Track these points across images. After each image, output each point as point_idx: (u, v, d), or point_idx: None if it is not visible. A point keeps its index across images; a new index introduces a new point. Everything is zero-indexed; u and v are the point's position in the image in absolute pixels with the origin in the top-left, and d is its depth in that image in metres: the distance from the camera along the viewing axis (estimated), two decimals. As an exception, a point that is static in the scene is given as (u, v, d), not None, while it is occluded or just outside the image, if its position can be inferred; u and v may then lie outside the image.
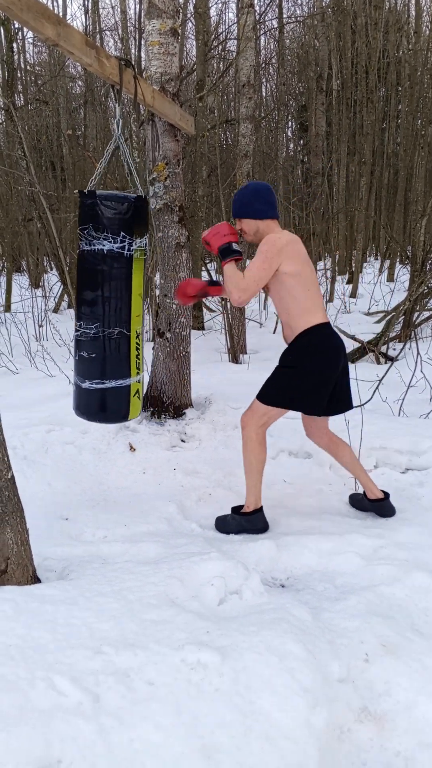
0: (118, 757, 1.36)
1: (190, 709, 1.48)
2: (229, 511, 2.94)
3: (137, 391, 2.71)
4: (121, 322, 2.56)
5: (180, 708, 1.48)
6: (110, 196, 2.45)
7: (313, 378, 2.66)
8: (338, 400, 2.78)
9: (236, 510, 2.85)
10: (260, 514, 2.80)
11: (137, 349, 2.67)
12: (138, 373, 2.69)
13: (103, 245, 2.46)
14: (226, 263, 2.63)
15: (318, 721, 1.50)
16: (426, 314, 6.99)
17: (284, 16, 13.00)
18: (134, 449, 3.59)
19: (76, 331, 2.62)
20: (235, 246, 2.65)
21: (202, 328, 8.54)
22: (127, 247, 2.49)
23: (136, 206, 2.50)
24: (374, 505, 2.94)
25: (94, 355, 2.57)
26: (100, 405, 2.63)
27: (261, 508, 2.80)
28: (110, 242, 2.46)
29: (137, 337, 2.66)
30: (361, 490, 3.19)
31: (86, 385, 2.60)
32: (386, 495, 2.94)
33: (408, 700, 1.66)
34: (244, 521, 2.78)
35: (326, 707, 1.55)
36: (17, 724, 1.38)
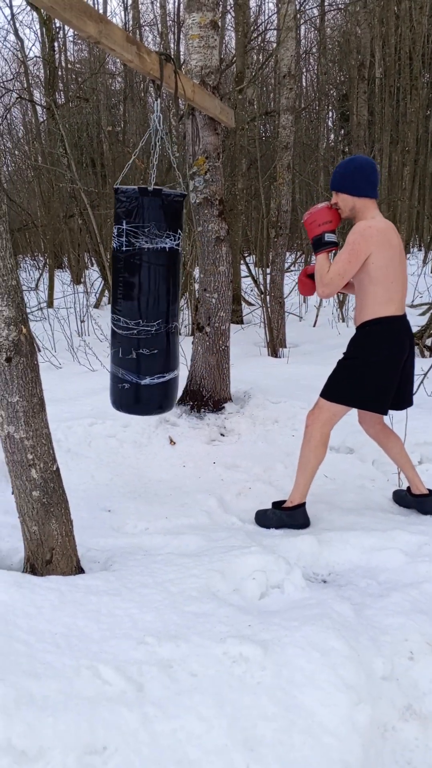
0: (161, 746, 1.38)
1: (233, 702, 1.49)
2: (269, 506, 2.93)
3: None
4: (176, 315, 2.61)
5: (222, 700, 1.49)
6: (174, 194, 2.46)
7: (376, 372, 2.61)
8: (400, 396, 2.74)
9: (277, 505, 2.83)
10: (302, 510, 2.78)
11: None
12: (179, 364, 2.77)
13: (166, 243, 2.47)
14: (318, 254, 2.59)
15: (361, 718, 1.49)
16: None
17: (325, 4, 12.79)
18: (174, 443, 3.62)
19: (129, 330, 2.62)
20: (328, 237, 2.58)
21: (241, 322, 8.52)
22: (179, 243, 2.52)
23: (182, 201, 2.53)
24: (417, 500, 2.88)
25: (156, 351, 2.59)
26: (161, 398, 2.67)
27: (304, 504, 2.79)
28: (171, 240, 2.48)
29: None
30: (404, 486, 3.14)
31: (146, 381, 2.62)
32: (431, 492, 2.88)
33: (454, 700, 1.63)
34: (285, 516, 2.77)
35: (370, 704, 1.54)
36: (64, 710, 1.41)
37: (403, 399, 2.76)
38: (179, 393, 2.77)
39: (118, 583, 1.99)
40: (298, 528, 2.75)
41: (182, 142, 6.17)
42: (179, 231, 2.50)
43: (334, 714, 1.47)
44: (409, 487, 2.93)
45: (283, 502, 2.83)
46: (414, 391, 4.17)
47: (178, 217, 2.49)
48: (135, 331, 2.61)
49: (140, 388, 2.65)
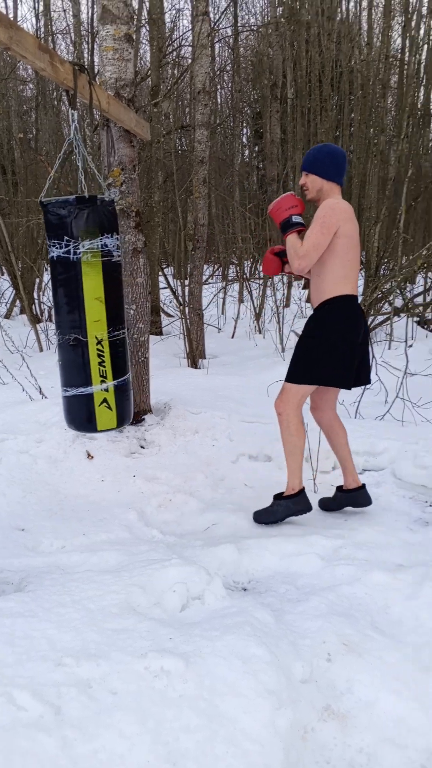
0: (81, 770, 1.34)
1: (155, 716, 1.47)
2: (192, 516, 2.93)
3: (104, 401, 2.65)
4: (75, 328, 2.53)
5: (144, 715, 1.47)
6: (51, 203, 2.43)
7: (337, 347, 2.71)
8: (359, 372, 2.85)
9: (278, 496, 2.87)
10: (304, 494, 2.85)
11: (100, 356, 2.60)
12: (103, 381, 2.63)
13: (53, 252, 2.45)
14: (287, 236, 2.68)
15: (282, 722, 1.51)
16: (380, 319, 7.15)
17: (238, 24, 13.13)
18: (92, 457, 3.55)
19: (57, 339, 2.63)
20: (295, 218, 2.69)
21: (161, 333, 8.52)
22: (72, 251, 2.45)
23: (80, 208, 2.44)
24: (350, 496, 2.99)
25: (61, 362, 2.55)
26: (68, 413, 2.62)
27: (304, 488, 2.86)
28: (57, 248, 2.45)
29: (99, 343, 2.59)
30: (318, 491, 3.24)
31: (62, 392, 2.61)
32: (363, 486, 3.00)
33: (369, 697, 1.69)
34: (292, 504, 2.82)
35: (290, 708, 1.57)
36: (-24, 742, 1.34)
37: (359, 377, 2.88)
38: (87, 415, 2.69)
39: (34, 604, 1.92)
40: (303, 513, 2.84)
41: (98, 153, 6.11)
42: (66, 239, 2.43)
43: (256, 720, 1.49)
44: (340, 486, 3.03)
45: (282, 492, 2.88)
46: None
47: (61, 225, 2.43)
48: (56, 341, 2.60)
49: (65, 400, 2.63)
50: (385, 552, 2.52)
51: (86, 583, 2.10)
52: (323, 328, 2.74)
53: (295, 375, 2.78)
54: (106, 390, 2.64)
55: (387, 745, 1.56)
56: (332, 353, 2.72)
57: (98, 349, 2.60)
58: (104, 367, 2.62)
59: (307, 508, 2.87)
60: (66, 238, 2.42)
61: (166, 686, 1.56)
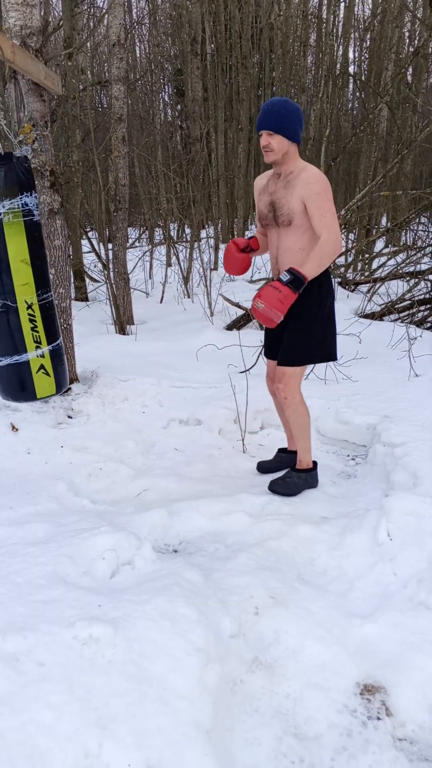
0: (9, 743, 1.32)
1: (84, 684, 1.47)
2: (124, 484, 2.91)
3: (41, 367, 2.54)
4: (3, 293, 2.38)
5: (73, 684, 1.47)
6: None
7: (333, 318, 2.68)
8: None
9: (294, 469, 2.87)
10: (317, 471, 2.89)
11: (32, 321, 2.47)
12: (38, 347, 2.52)
13: None
14: (308, 278, 2.44)
15: (211, 678, 1.55)
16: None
17: (154, -27, 12.57)
18: (16, 429, 3.44)
19: None
20: (285, 278, 2.42)
21: (86, 299, 8.30)
22: None
23: None
24: (293, 457, 3.04)
25: None
26: (0, 383, 2.49)
27: (316, 463, 2.92)
28: None
29: (29, 308, 2.46)
30: (247, 451, 3.29)
31: None
32: None
33: (296, 646, 1.76)
34: (309, 477, 2.84)
35: (219, 663, 1.60)
36: None
37: None
38: (28, 384, 2.56)
39: (-43, 583, 1.86)
40: (314, 487, 2.85)
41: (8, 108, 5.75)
42: None
43: (185, 679, 1.52)
44: (284, 448, 3.11)
45: (294, 465, 2.89)
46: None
47: None
48: None
49: None
50: (310, 506, 2.60)
51: (12, 556, 2.06)
52: (320, 305, 2.63)
53: (297, 358, 2.67)
54: (42, 356, 2.54)
55: (312, 689, 1.64)
56: (333, 326, 2.69)
57: (29, 314, 2.47)
58: (37, 332, 2.50)
59: (317, 482, 2.89)
60: None
61: (95, 653, 1.56)
